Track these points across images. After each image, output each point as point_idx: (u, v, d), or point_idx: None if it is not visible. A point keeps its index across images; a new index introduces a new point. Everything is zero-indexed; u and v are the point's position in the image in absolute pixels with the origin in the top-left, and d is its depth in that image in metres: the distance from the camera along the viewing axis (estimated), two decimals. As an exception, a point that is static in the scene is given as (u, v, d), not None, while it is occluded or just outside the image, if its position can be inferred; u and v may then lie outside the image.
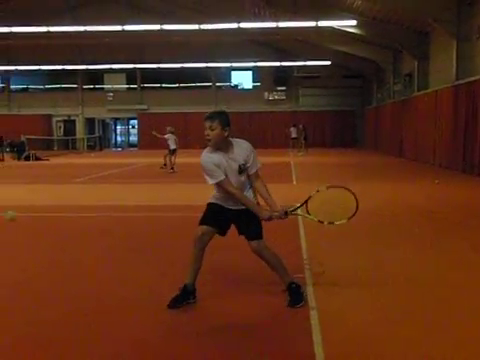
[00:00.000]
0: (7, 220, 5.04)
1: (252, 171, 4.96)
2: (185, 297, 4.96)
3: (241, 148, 4.90)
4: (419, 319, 4.66)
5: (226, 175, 4.83)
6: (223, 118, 4.82)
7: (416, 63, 25.84)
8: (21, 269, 6.38)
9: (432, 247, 7.45)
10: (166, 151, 20.63)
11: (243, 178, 4.94)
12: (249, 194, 5.01)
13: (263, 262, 5.14)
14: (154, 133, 21.13)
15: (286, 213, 4.90)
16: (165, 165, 20.55)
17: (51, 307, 5.04)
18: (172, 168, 19.89)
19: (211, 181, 4.84)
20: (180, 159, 21.47)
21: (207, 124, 4.77)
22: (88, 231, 8.84)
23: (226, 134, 4.80)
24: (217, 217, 4.97)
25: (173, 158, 20.26)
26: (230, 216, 5.00)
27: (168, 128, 20.78)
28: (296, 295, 4.98)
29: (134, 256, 6.92)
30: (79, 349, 4.11)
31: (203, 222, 4.97)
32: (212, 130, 4.76)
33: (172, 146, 20.23)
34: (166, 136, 20.43)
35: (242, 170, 4.89)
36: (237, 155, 4.86)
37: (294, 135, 34.77)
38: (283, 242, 7.43)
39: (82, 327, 4.54)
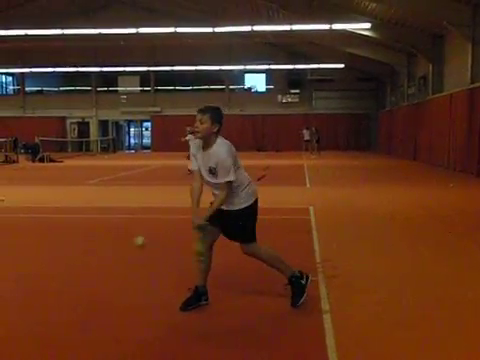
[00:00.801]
0: (137, 246, 5.02)
1: (219, 180, 4.78)
2: (197, 299, 4.95)
3: (218, 151, 4.75)
4: (435, 322, 4.62)
5: (200, 169, 4.91)
6: (215, 114, 4.82)
7: (431, 66, 25.67)
8: (32, 270, 6.40)
9: (446, 250, 7.39)
10: (188, 152, 20.26)
11: (217, 180, 4.83)
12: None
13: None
14: (182, 139, 20.41)
15: (199, 226, 4.81)
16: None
17: (60, 307, 5.05)
18: (189, 169, 19.60)
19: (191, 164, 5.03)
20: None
21: (198, 117, 4.79)
22: (100, 232, 8.86)
23: (215, 130, 4.78)
24: (217, 217, 4.92)
25: None
26: (222, 216, 4.94)
27: (187, 129, 20.03)
28: (297, 289, 4.99)
29: (143, 258, 6.91)
30: (87, 349, 4.10)
31: None
32: (201, 123, 4.77)
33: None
34: (187, 138, 19.99)
35: (212, 173, 4.82)
36: (211, 156, 4.78)
37: (307, 137, 34.68)
38: (296, 245, 7.41)
39: (90, 327, 4.54)
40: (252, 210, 4.99)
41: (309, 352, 4.04)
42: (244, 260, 5.88)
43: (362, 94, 41.42)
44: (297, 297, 4.96)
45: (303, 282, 5.03)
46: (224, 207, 4.90)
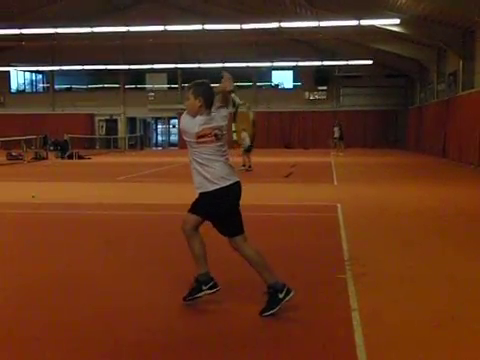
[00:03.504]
0: None
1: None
2: (198, 289, 4.87)
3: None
4: (466, 321, 4.54)
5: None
6: (196, 89, 4.92)
7: (461, 62, 25.29)
8: (52, 267, 6.41)
9: (477, 248, 7.26)
10: (240, 149, 19.47)
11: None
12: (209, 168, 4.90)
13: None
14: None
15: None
16: (244, 165, 19.06)
17: (80, 305, 5.03)
18: (249, 166, 18.98)
19: None
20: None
21: (185, 95, 4.99)
22: (127, 229, 8.91)
23: (199, 104, 4.88)
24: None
25: (248, 156, 19.13)
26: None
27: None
28: (271, 300, 4.65)
29: (164, 255, 6.90)
30: (95, 348, 4.05)
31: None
32: (188, 100, 4.96)
33: (246, 143, 19.01)
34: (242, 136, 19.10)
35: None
36: None
37: (336, 135, 34.45)
38: (324, 243, 7.37)
39: (103, 327, 4.50)
40: (219, 196, 4.77)
41: (337, 350, 4.00)
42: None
43: (390, 91, 41.01)
44: (268, 308, 4.63)
45: (280, 296, 4.66)
46: (199, 189, 4.90)
